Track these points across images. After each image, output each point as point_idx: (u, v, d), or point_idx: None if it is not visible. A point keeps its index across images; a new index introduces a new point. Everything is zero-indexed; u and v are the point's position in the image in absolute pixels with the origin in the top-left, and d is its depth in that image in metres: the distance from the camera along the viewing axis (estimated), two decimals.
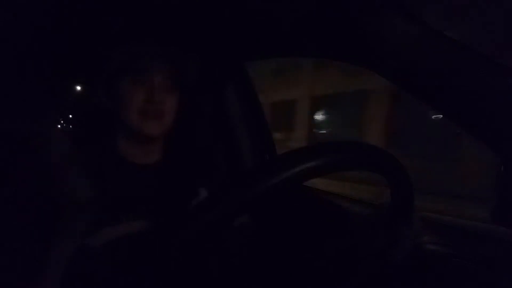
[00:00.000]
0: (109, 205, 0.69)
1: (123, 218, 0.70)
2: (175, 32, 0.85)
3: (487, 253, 0.69)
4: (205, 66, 1.22)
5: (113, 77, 0.74)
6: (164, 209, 0.74)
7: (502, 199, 0.60)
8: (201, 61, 0.77)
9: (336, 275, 0.59)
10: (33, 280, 0.57)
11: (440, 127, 5.52)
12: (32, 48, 1.04)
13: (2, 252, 0.61)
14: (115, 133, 0.78)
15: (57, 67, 1.25)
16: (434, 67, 0.58)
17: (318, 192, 1.18)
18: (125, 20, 0.86)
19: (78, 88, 1.33)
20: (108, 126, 0.79)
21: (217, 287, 0.80)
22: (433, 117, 5.93)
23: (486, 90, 0.55)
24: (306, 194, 1.17)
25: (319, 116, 10.26)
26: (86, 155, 0.74)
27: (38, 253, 0.58)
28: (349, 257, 0.60)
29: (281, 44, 1.02)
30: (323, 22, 0.72)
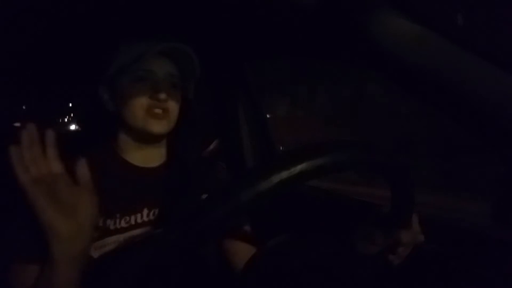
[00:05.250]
0: (111, 209, 0.69)
1: (126, 222, 0.70)
2: (178, 30, 0.86)
3: (487, 253, 0.69)
4: (207, 66, 1.22)
5: (117, 76, 0.74)
6: (168, 213, 0.73)
7: (502, 199, 0.61)
8: (204, 61, 0.77)
9: (336, 275, 0.59)
10: None
11: None
12: (33, 48, 1.04)
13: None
14: (118, 136, 0.78)
15: (60, 67, 1.26)
16: (432, 66, 0.58)
17: (318, 192, 1.18)
18: (128, 18, 0.86)
19: (81, 88, 1.33)
20: (111, 128, 0.79)
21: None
22: None
23: (485, 90, 0.55)
24: (306, 194, 1.17)
25: None
26: (87, 158, 0.74)
27: None
28: (349, 258, 0.60)
29: (281, 44, 1.02)
30: (323, 22, 0.73)
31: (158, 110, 0.72)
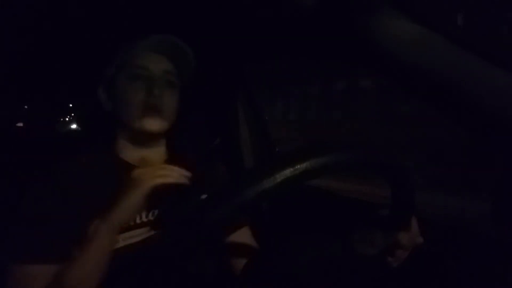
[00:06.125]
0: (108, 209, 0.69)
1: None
2: (178, 30, 0.86)
3: (487, 253, 0.69)
4: (206, 67, 1.22)
5: (115, 75, 0.74)
6: (167, 214, 0.73)
7: (502, 199, 0.61)
8: (202, 60, 0.77)
9: (336, 275, 0.59)
10: None
11: None
12: (34, 48, 1.05)
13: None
14: (117, 136, 0.78)
15: (60, 67, 1.26)
16: (433, 66, 0.58)
17: (318, 192, 1.18)
18: (128, 19, 0.86)
19: (79, 88, 1.33)
20: (111, 129, 0.79)
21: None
22: None
23: (486, 90, 0.55)
24: (306, 193, 1.17)
25: None
26: (86, 158, 0.74)
27: None
28: (348, 259, 0.60)
29: (281, 44, 1.02)
30: (322, 22, 0.73)
31: (152, 105, 0.72)
